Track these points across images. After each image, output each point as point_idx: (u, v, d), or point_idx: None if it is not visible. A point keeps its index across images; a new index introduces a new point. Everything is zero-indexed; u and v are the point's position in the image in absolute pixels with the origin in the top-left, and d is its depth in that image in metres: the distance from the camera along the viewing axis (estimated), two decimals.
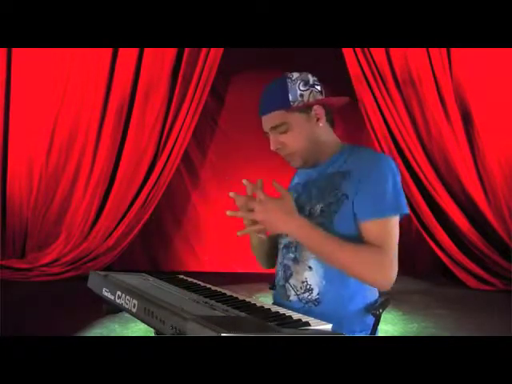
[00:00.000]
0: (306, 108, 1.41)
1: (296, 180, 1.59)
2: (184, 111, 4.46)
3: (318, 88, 1.44)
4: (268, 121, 1.41)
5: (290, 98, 1.39)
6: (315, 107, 1.42)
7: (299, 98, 1.39)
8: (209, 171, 5.05)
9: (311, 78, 1.43)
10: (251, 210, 1.33)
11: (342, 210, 1.34)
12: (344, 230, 1.34)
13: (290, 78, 1.41)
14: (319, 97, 1.43)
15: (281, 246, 1.53)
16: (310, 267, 1.40)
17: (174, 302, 1.15)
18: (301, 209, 1.44)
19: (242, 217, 1.36)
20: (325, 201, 1.39)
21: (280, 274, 1.50)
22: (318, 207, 1.40)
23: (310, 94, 1.41)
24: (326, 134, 1.46)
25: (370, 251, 1.29)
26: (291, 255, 1.45)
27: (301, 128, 1.41)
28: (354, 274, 1.30)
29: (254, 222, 1.34)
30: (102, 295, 1.36)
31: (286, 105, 1.39)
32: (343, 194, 1.36)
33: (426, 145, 4.41)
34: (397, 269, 1.29)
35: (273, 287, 1.60)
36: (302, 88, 1.40)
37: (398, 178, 1.37)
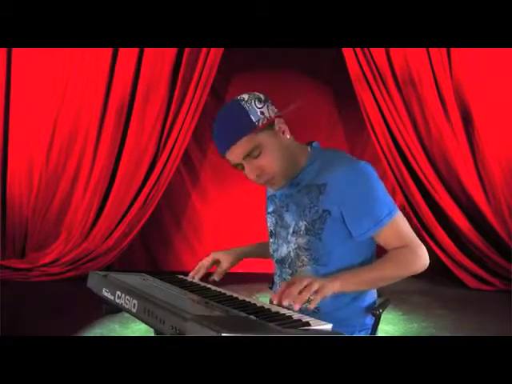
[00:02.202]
0: (271, 124, 1.37)
1: (271, 190, 1.57)
2: (184, 111, 4.45)
3: (270, 101, 1.40)
4: (238, 150, 1.35)
5: (253, 118, 1.34)
6: (276, 121, 1.39)
7: (261, 116, 1.35)
8: (209, 171, 5.05)
9: (261, 94, 1.39)
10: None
11: (328, 226, 1.37)
12: (332, 243, 1.38)
13: (244, 100, 1.36)
14: (276, 110, 1.40)
15: (274, 260, 1.55)
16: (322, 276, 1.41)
17: (173, 302, 1.15)
18: (284, 225, 1.46)
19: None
20: (307, 218, 1.39)
21: (278, 286, 1.52)
22: (302, 225, 1.40)
23: (268, 109, 1.37)
24: (293, 143, 1.44)
25: (401, 255, 1.35)
26: (288, 270, 1.48)
27: (273, 145, 1.37)
28: (402, 278, 1.37)
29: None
30: (101, 295, 1.36)
31: (251, 127, 1.33)
32: (324, 211, 1.37)
33: (426, 145, 4.40)
34: (423, 245, 1.38)
35: (272, 287, 1.61)
36: (258, 106, 1.36)
37: (378, 182, 1.38)
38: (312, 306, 1.15)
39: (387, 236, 1.37)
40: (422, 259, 1.36)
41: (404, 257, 1.35)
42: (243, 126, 1.34)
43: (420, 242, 1.39)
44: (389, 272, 1.35)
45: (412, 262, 1.35)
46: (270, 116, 1.36)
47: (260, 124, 1.34)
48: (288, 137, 1.41)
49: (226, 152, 1.37)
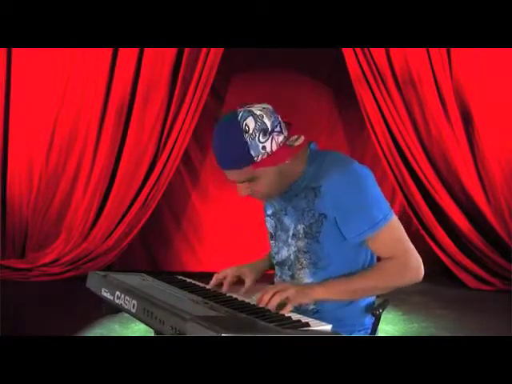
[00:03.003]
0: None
1: None
2: (184, 111, 4.44)
3: (278, 128, 1.31)
4: (232, 175, 1.34)
5: (253, 153, 1.28)
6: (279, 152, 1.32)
7: (262, 151, 1.28)
8: (209, 171, 5.05)
9: (268, 122, 1.29)
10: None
11: (325, 229, 1.37)
12: (331, 246, 1.38)
13: (248, 132, 1.27)
14: (281, 138, 1.32)
15: (274, 262, 1.56)
16: (305, 283, 1.43)
17: (173, 303, 1.15)
18: (283, 228, 1.47)
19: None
20: (305, 221, 1.39)
21: None
22: (300, 228, 1.40)
23: (271, 142, 1.29)
24: (291, 162, 1.37)
25: (389, 266, 1.35)
26: (288, 272, 1.48)
27: (269, 174, 1.34)
28: (390, 289, 1.36)
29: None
30: (101, 295, 1.36)
31: (250, 162, 1.29)
32: (320, 214, 1.36)
33: (426, 145, 4.40)
34: (418, 255, 1.35)
35: None
36: (262, 140, 1.28)
37: (374, 185, 1.37)
38: (285, 312, 1.20)
39: (380, 241, 1.35)
40: (414, 270, 1.34)
41: (393, 268, 1.34)
42: (241, 159, 1.29)
43: (414, 251, 1.36)
44: (374, 283, 1.34)
45: (401, 274, 1.34)
46: (271, 150, 1.30)
47: (259, 159, 1.29)
48: (287, 162, 1.36)
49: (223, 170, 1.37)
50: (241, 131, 1.27)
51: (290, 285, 1.28)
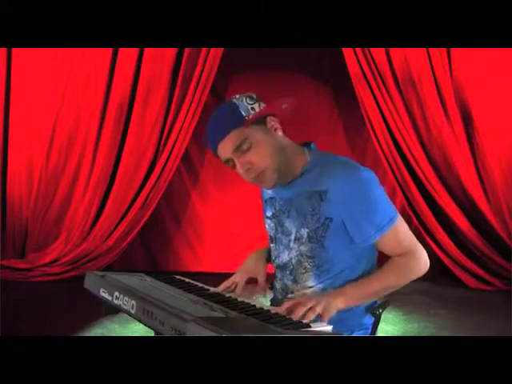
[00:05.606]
0: (261, 119, 1.38)
1: (270, 193, 1.55)
2: (184, 111, 4.44)
3: (263, 104, 1.41)
4: (227, 144, 1.35)
5: (243, 113, 1.35)
6: (268, 119, 1.40)
7: (251, 111, 1.36)
8: (209, 171, 5.05)
9: (254, 95, 1.42)
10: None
11: (330, 234, 1.37)
12: (335, 249, 1.39)
13: (235, 97, 1.40)
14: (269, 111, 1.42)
15: (274, 265, 1.55)
16: (309, 287, 1.43)
17: (173, 303, 1.15)
18: (284, 231, 1.46)
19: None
20: (309, 225, 1.39)
21: (279, 290, 1.53)
22: (304, 232, 1.40)
23: (259, 106, 1.38)
24: (287, 143, 1.44)
25: (402, 263, 1.38)
26: (289, 276, 1.47)
27: (263, 141, 1.36)
28: (403, 285, 1.39)
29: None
30: (99, 296, 1.35)
31: (241, 121, 1.35)
32: (326, 218, 1.37)
33: (426, 145, 4.40)
34: (423, 249, 1.41)
35: (273, 287, 1.61)
36: (249, 102, 1.38)
37: (380, 187, 1.38)
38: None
39: (388, 242, 1.38)
40: (423, 263, 1.39)
41: (405, 265, 1.38)
42: (233, 119, 1.35)
43: (420, 245, 1.41)
44: (391, 282, 1.37)
45: (413, 269, 1.38)
46: (260, 112, 1.37)
47: (250, 117, 1.35)
48: (280, 134, 1.41)
49: (217, 147, 1.37)
50: (229, 99, 1.39)
51: (315, 300, 1.22)
